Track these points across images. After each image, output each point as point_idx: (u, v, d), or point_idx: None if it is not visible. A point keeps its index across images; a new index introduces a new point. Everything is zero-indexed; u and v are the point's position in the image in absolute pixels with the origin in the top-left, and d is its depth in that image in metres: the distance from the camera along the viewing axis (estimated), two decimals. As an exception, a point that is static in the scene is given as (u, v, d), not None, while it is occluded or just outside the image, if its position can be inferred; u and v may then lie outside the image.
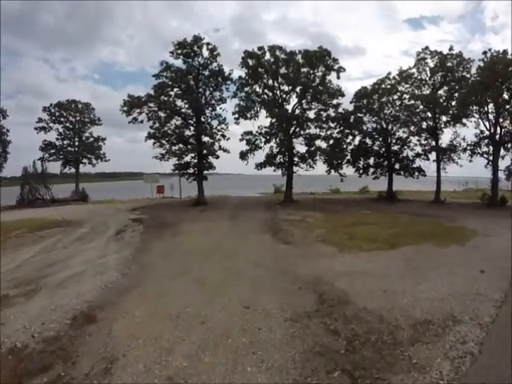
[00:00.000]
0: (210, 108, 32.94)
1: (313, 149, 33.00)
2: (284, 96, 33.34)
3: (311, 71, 32.45)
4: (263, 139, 33.45)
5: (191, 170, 32.98)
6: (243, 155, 33.47)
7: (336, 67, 32.49)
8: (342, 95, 33.27)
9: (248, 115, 32.27)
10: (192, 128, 32.44)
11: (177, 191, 42.32)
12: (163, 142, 31.21)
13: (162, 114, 31.39)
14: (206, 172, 33.36)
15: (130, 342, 6.38)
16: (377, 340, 6.28)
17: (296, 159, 33.47)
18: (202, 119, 32.59)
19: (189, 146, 31.80)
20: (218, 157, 33.24)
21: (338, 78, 32.68)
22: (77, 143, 42.51)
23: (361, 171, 36.90)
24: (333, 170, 34.31)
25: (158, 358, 5.86)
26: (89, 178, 74.80)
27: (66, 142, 42.10)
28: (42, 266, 11.76)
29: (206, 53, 31.80)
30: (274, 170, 33.82)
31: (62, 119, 41.84)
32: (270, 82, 32.80)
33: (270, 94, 33.24)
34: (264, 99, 33.01)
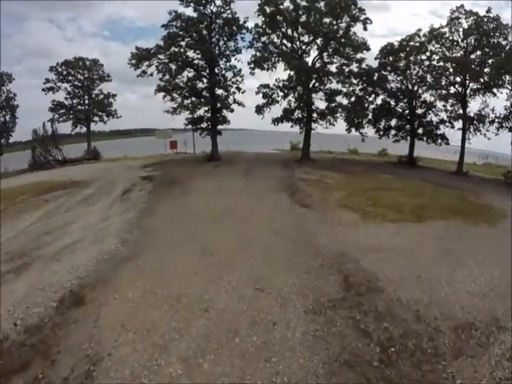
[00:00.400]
0: (224, 59, 30.49)
1: (333, 105, 30.67)
2: (304, 47, 30.53)
3: (334, 21, 29.48)
4: (281, 93, 31.17)
5: (204, 125, 31.20)
6: (259, 109, 31.40)
7: (362, 18, 29.35)
8: (368, 49, 30.34)
9: (265, 66, 29.82)
10: (205, 80, 30.17)
11: (190, 146, 40.96)
12: (174, 95, 29.23)
13: (172, 66, 29.16)
14: (219, 127, 31.51)
15: (119, 336, 5.29)
16: (415, 348, 5.07)
17: (315, 115, 31.35)
18: (216, 71, 30.34)
19: (202, 100, 29.81)
20: (232, 110, 31.26)
21: (365, 29, 29.61)
22: (86, 101, 40.70)
23: (381, 132, 34.68)
24: (353, 129, 32.17)
25: (149, 361, 4.75)
26: (102, 136, 73.76)
27: (75, 101, 39.97)
28: (40, 234, 10.69)
29: (218, 0, 29.16)
30: (292, 126, 31.84)
31: (70, 78, 39.63)
32: (289, 31, 29.94)
33: (289, 44, 30.49)
34: (282, 50, 30.37)
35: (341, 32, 29.65)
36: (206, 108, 30.38)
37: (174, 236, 9.62)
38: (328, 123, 30.85)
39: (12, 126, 37.20)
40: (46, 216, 12.99)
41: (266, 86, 31.14)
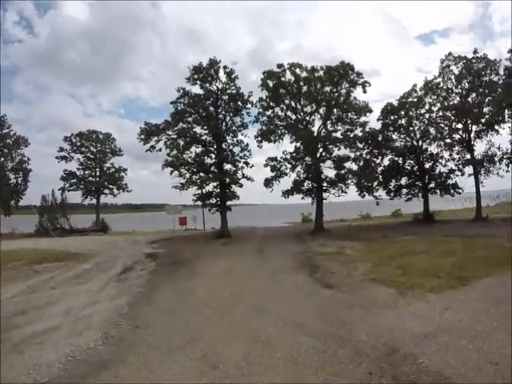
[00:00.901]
0: (231, 134, 30.29)
1: (343, 172, 29.62)
2: (308, 118, 30.37)
3: (335, 89, 29.45)
4: (289, 165, 30.46)
5: (213, 201, 30.01)
6: (268, 182, 30.41)
7: (360, 82, 29.46)
8: (370, 111, 30.07)
9: (272, 138, 29.35)
10: (213, 156, 29.75)
11: (200, 222, 39.55)
12: (182, 170, 28.52)
13: (180, 142, 28.84)
14: (229, 202, 30.37)
15: None
16: None
17: (325, 184, 30.13)
18: (224, 146, 29.90)
19: (210, 175, 28.99)
20: (241, 185, 30.28)
21: (365, 92, 29.57)
22: (98, 173, 40.70)
23: (392, 193, 33.23)
24: (366, 194, 30.69)
25: None
26: (114, 208, 73.60)
27: (86, 172, 40.43)
28: (16, 312, 8.89)
29: (223, 77, 29.50)
30: (303, 198, 30.60)
31: (83, 149, 40.27)
32: (293, 103, 30.02)
33: (294, 116, 30.42)
34: (287, 122, 30.08)
35: (342, 98, 29.56)
36: (215, 184, 29.49)
37: (170, 335, 7.34)
38: (340, 191, 29.73)
39: (23, 189, 36.88)
40: (30, 290, 11.40)
41: (274, 158, 30.53)
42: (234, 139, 30.20)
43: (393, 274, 11.64)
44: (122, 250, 22.43)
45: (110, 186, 41.30)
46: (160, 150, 28.38)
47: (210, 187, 29.50)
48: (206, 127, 29.20)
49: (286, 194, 30.07)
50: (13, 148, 36.04)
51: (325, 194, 30.08)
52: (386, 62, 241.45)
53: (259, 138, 29.42)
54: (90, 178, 40.51)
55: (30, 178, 37.34)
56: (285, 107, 29.95)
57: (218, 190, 29.49)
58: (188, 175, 28.65)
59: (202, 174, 28.96)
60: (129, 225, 43.26)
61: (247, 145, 30.26)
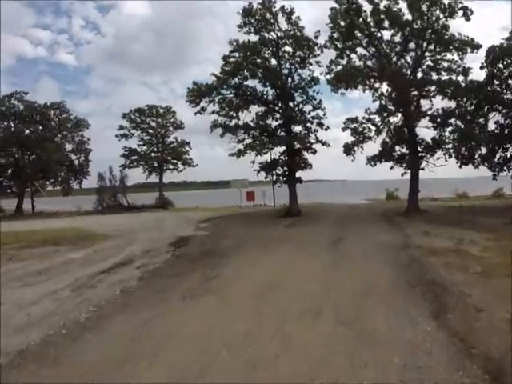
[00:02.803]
0: (299, 91, 23.46)
1: (447, 131, 21.64)
2: (395, 60, 22.19)
3: (426, 17, 20.77)
4: (373, 128, 23.01)
5: (280, 171, 23.80)
6: (348, 149, 23.35)
7: (459, 7, 20.54)
8: (477, 47, 21.08)
9: (351, 83, 21.93)
10: (278, 116, 23.32)
11: (271, 198, 33.76)
12: (240, 134, 22.68)
13: (236, 100, 22.71)
14: (302, 176, 24.09)
15: None
16: None
17: (420, 149, 22.32)
18: (291, 105, 23.33)
19: (275, 139, 22.74)
20: (314, 151, 23.64)
21: (468, 19, 20.65)
22: (160, 149, 37.10)
23: (498, 167, 23.46)
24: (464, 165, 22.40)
25: None
26: (189, 186, 71.50)
27: (148, 148, 37.08)
28: None
29: (282, 21, 22.52)
30: (392, 168, 23.03)
31: (144, 125, 36.88)
32: (374, 40, 21.85)
33: (375, 60, 22.32)
34: (367, 66, 22.28)
35: (436, 29, 20.80)
36: (281, 150, 23.25)
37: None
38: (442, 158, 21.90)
39: (85, 169, 35.12)
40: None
41: (354, 119, 23.25)
42: (304, 96, 23.38)
43: None
44: (157, 229, 17.90)
45: (174, 161, 37.47)
46: (214, 112, 22.62)
47: (276, 154, 23.40)
48: (267, 83, 22.80)
49: (372, 160, 22.83)
50: (73, 130, 34.58)
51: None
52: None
53: (334, 81, 22.03)
54: (153, 154, 37.16)
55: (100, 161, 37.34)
56: (364, 41, 21.99)
57: (286, 157, 23.17)
58: (248, 141, 22.70)
59: (264, 138, 22.80)
60: (196, 201, 39.13)
61: (320, 102, 23.31)
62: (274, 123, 23.41)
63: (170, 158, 37.21)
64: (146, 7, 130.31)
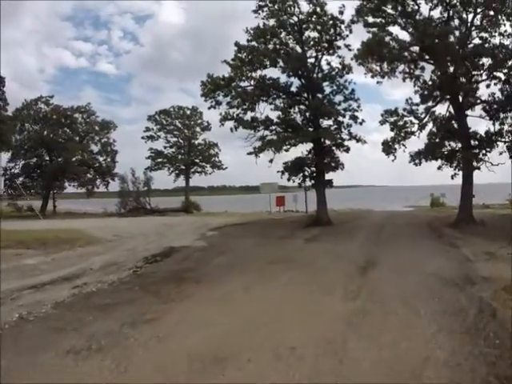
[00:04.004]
0: (328, 80, 19.85)
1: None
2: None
3: None
4: (416, 121, 18.89)
5: (307, 172, 20.07)
6: (388, 147, 19.36)
7: None
8: None
9: (384, 56, 17.35)
10: (303, 108, 19.77)
11: (303, 203, 30.13)
12: (260, 128, 19.31)
13: (255, 92, 19.09)
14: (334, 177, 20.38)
15: None
16: None
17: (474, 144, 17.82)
18: (319, 96, 19.68)
19: (300, 134, 18.93)
20: (347, 149, 19.91)
21: None
22: (186, 150, 34.92)
23: None
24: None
25: None
26: (227, 190, 69.30)
27: (176, 150, 35.11)
28: None
29: (304, 5, 18.92)
30: (439, 168, 18.76)
31: (171, 127, 34.97)
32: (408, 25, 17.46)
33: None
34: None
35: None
36: (308, 148, 19.77)
37: None
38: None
39: (112, 170, 33.76)
40: None
41: (394, 112, 19.20)
42: (333, 85, 19.69)
43: None
44: (155, 236, 15.48)
45: (203, 164, 35.12)
46: (230, 104, 19.14)
47: (302, 151, 19.78)
48: (290, 73, 19.37)
49: (417, 157, 18.63)
50: (100, 133, 33.66)
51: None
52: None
53: (363, 54, 17.94)
54: (179, 157, 35.07)
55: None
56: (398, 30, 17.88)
57: (313, 154, 19.59)
58: (271, 137, 19.34)
59: (288, 134, 19.13)
60: (229, 206, 36.58)
61: (353, 92, 19.52)
62: (300, 118, 19.94)
63: (197, 160, 34.82)
64: (180, 14, 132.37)
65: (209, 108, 19.34)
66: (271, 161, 18.96)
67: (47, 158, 31.38)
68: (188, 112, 34.62)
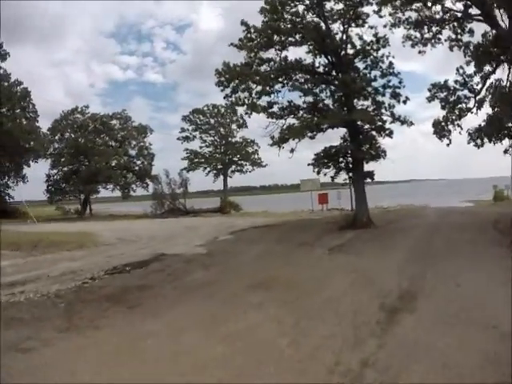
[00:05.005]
0: (361, 54, 16.30)
1: None
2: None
3: None
4: (471, 95, 14.91)
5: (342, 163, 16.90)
6: (440, 128, 15.72)
7: None
8: None
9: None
10: (332, 89, 16.46)
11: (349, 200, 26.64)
12: (284, 113, 16.43)
13: (268, 72, 16.02)
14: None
15: None
16: None
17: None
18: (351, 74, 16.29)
19: (325, 115, 15.84)
20: (390, 133, 16.41)
21: None
22: (223, 149, 33.36)
23: None
24: None
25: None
26: (279, 189, 66.39)
27: (213, 149, 33.59)
28: None
29: None
30: (506, 151, 14.65)
31: (207, 126, 33.51)
32: None
33: None
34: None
35: None
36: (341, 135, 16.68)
37: None
38: None
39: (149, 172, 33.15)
40: None
41: (443, 85, 15.42)
42: (367, 61, 16.26)
43: None
44: (163, 239, 14.39)
45: (241, 162, 33.20)
46: (250, 91, 16.33)
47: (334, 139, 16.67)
48: (315, 50, 16.31)
49: (477, 136, 14.80)
50: (138, 137, 33.43)
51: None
52: None
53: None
54: (216, 155, 33.55)
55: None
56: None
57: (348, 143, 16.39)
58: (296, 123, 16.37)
59: (310, 118, 16.13)
60: (272, 205, 34.34)
61: (391, 65, 15.95)
62: (330, 101, 16.83)
63: (235, 158, 32.96)
64: (218, 21, 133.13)
65: (224, 97, 16.78)
66: (292, 151, 16.05)
67: (84, 164, 31.64)
68: (222, 110, 32.86)
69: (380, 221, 16.46)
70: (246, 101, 15.77)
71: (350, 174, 16.89)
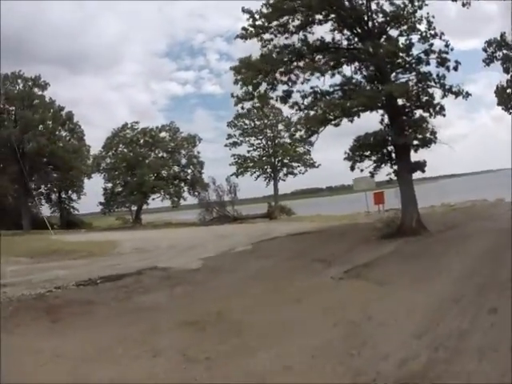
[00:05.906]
0: (393, 21, 13.31)
1: None
2: None
3: None
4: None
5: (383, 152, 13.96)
6: (503, 95, 12.27)
7: None
8: None
9: None
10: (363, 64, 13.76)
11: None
12: (305, 101, 14.07)
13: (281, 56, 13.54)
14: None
15: None
16: None
17: None
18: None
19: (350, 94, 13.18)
20: (441, 109, 13.03)
21: None
22: (271, 151, 32.08)
23: None
24: None
25: None
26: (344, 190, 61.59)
27: (263, 153, 32.42)
28: None
29: None
30: None
31: (254, 129, 32.50)
32: None
33: None
34: None
35: None
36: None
37: None
38: None
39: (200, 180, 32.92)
40: None
41: (502, 41, 12.06)
42: (402, 26, 13.27)
43: None
44: (177, 251, 13.30)
45: (291, 164, 31.47)
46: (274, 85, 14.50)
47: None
48: (340, 26, 13.74)
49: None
50: (187, 147, 33.92)
51: None
52: None
53: None
54: (264, 159, 32.43)
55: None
56: None
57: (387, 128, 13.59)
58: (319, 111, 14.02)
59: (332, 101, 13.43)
60: (325, 208, 31.22)
61: (430, 25, 12.78)
62: (360, 77, 14.13)
63: (285, 160, 31.22)
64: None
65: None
66: (311, 143, 13.78)
67: (135, 176, 32.24)
68: (266, 111, 31.28)
69: (437, 224, 13.38)
70: (255, 93, 13.71)
71: (395, 168, 13.95)
